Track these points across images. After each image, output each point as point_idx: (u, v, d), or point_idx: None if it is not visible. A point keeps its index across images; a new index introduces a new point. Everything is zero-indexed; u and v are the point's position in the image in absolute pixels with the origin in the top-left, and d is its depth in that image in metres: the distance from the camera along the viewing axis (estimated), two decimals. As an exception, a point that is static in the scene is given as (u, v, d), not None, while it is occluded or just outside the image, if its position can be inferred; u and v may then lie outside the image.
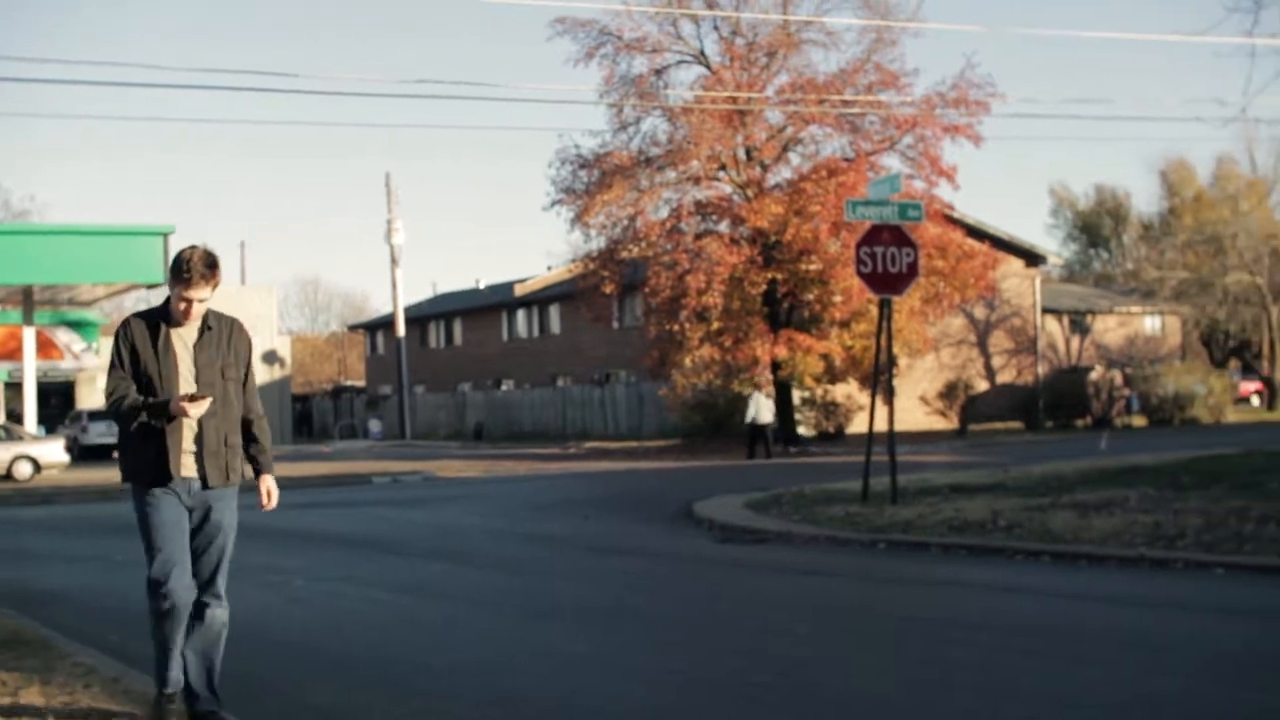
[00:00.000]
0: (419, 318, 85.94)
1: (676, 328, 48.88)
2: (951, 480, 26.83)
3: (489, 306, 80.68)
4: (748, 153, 50.75)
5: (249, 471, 8.67)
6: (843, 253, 44.75)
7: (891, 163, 49.93)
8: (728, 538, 20.61)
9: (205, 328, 8.37)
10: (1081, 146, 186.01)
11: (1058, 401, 60.28)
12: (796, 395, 53.89)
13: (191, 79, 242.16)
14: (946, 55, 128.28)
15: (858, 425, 47.73)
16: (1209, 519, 18.19)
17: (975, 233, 56.43)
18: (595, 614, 13.63)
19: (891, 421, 24.25)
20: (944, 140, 49.52)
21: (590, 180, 50.29)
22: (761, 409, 44.12)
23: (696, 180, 50.46)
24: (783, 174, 51.28)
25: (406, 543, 20.83)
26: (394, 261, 77.59)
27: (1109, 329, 72.55)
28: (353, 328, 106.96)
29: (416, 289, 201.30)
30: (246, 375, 8.60)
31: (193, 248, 8.16)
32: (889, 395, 25.68)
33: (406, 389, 77.84)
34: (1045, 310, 68.64)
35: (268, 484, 8.77)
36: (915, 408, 58.45)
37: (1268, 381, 72.22)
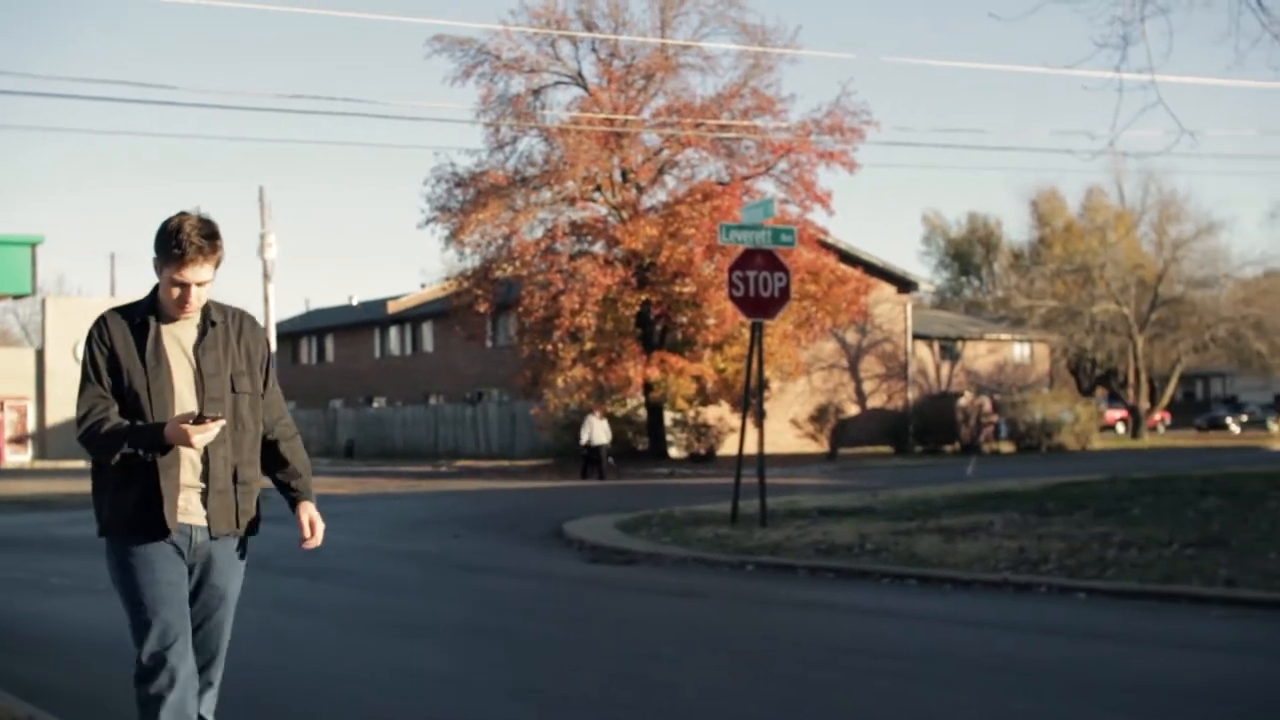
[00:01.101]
0: (291, 333, 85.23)
1: (550, 347, 48.90)
2: (821, 503, 26.99)
3: (362, 323, 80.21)
4: (624, 174, 50.93)
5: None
6: (716, 276, 45.04)
7: (767, 187, 50.35)
8: (597, 558, 20.60)
9: (207, 323, 6.38)
10: (955, 175, 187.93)
11: (927, 427, 60.81)
12: (668, 417, 54.06)
13: (63, 88, 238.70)
14: (823, 82, 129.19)
15: (729, 447, 47.84)
16: (1072, 544, 18.42)
17: (848, 258, 56.90)
18: (461, 632, 13.58)
19: (762, 444, 24.35)
20: (819, 166, 50.06)
21: (466, 199, 50.24)
22: (596, 431, 44.52)
23: (572, 201, 50.58)
24: (658, 196, 51.54)
25: (274, 559, 20.55)
26: (266, 276, 76.40)
27: (979, 356, 73.33)
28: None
29: (289, 304, 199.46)
30: (266, 384, 6.61)
31: (182, 214, 6.23)
32: (760, 418, 25.79)
33: (277, 404, 76.92)
34: (916, 336, 69.25)
35: (309, 513, 6.81)
36: (786, 431, 58.72)
37: (1133, 410, 73.29)
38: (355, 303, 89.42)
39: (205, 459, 6.27)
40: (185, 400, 6.27)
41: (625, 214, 50.01)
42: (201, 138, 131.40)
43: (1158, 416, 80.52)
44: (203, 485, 6.28)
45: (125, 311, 6.40)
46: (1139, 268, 74.12)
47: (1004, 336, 75.00)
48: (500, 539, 24.15)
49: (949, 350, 72.42)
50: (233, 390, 6.39)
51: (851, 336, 64.86)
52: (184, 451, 6.17)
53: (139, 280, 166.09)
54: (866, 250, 62.88)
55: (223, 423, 6.10)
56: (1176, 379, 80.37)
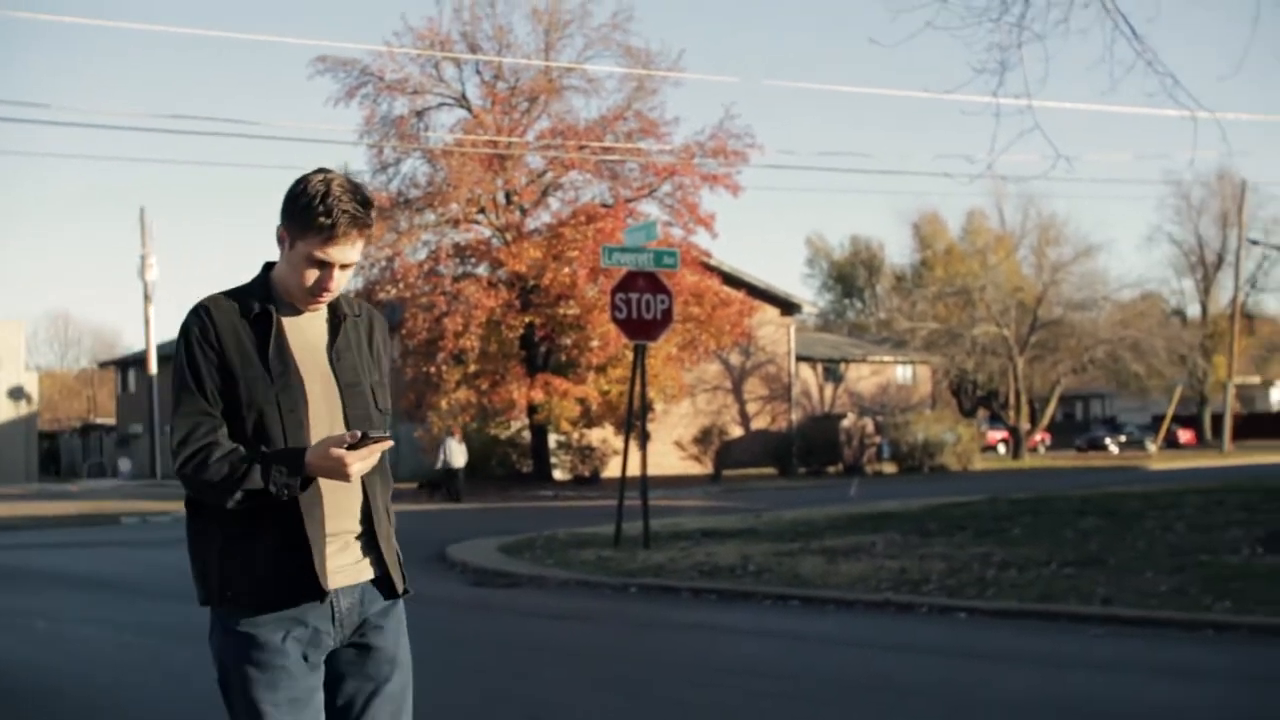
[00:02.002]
0: (172, 355, 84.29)
1: (433, 370, 48.70)
2: (704, 525, 27.01)
3: (245, 346, 79.29)
4: (507, 196, 50.92)
5: None
6: (600, 298, 45.04)
7: (650, 210, 50.46)
8: (479, 581, 20.50)
9: (338, 316, 4.81)
10: (838, 198, 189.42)
11: (811, 448, 60.99)
12: (553, 439, 54.00)
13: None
14: (707, 105, 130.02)
15: (613, 469, 47.79)
16: (953, 565, 18.56)
17: (732, 281, 57.12)
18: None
19: (645, 466, 24.33)
20: (702, 189, 50.30)
21: (349, 221, 49.85)
22: (454, 453, 44.46)
23: (455, 223, 50.49)
24: (542, 218, 51.58)
25: (156, 583, 20.40)
26: (147, 298, 76.10)
27: (862, 377, 73.81)
28: (104, 364, 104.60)
29: (170, 326, 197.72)
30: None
31: (326, 172, 4.62)
32: (643, 440, 25.77)
33: (158, 428, 76.28)
34: (800, 358, 69.61)
35: None
36: (670, 453, 58.79)
37: (1013, 430, 73.93)
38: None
39: (366, 496, 4.74)
40: (321, 418, 4.64)
41: (509, 236, 49.97)
42: (80, 157, 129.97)
43: (1038, 437, 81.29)
44: (362, 530, 4.75)
45: (235, 297, 4.72)
46: (1019, 290, 74.87)
47: (887, 358, 75.56)
48: (383, 562, 23.95)
49: (832, 372, 72.84)
50: (375, 407, 4.82)
51: (735, 358, 65.10)
52: (328, 489, 4.58)
53: (10, 303, 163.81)
54: (750, 273, 63.21)
55: (389, 444, 4.55)
56: (1056, 400, 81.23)
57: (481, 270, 50.32)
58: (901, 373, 75.95)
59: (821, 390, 71.73)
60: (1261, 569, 16.40)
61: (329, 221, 4.48)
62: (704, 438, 58.31)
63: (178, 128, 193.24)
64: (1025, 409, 74.16)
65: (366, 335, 4.89)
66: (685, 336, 49.13)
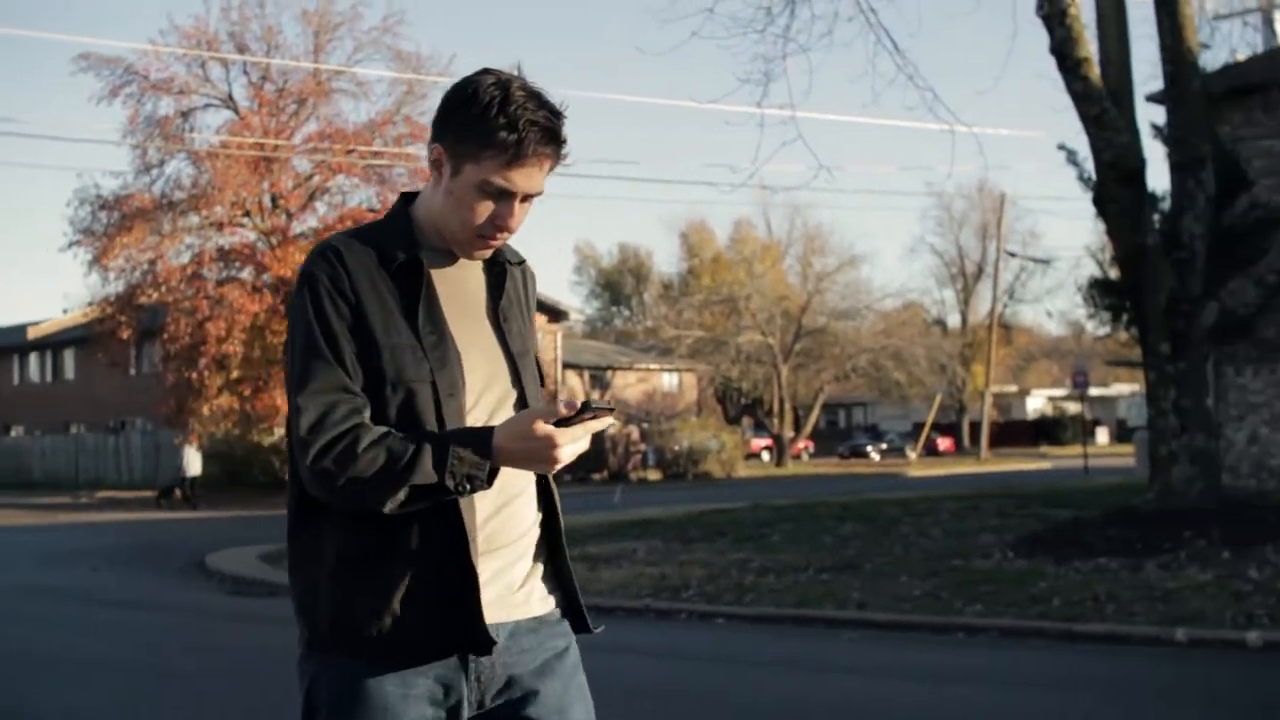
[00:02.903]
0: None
1: (195, 375, 47.86)
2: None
3: (-1, 349, 77.56)
4: (274, 200, 50.32)
5: None
6: (367, 304, 44.65)
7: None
8: (238, 590, 20.28)
9: (499, 265, 3.63)
10: (608, 206, 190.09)
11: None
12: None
13: None
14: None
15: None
16: (712, 571, 18.79)
17: (500, 287, 57.02)
18: (84, 667, 13.18)
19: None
20: (473, 195, 50.07)
21: (110, 222, 48.92)
22: (190, 461, 44.62)
23: (220, 226, 49.70)
24: (309, 223, 50.99)
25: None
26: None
27: (629, 384, 74.28)
28: None
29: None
30: None
31: (492, 74, 3.40)
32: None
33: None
34: (567, 365, 69.78)
35: None
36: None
37: (777, 438, 74.89)
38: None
39: (550, 494, 3.70)
40: (483, 401, 3.48)
41: (275, 240, 49.36)
42: None
43: (801, 444, 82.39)
44: (528, 542, 3.61)
45: (368, 241, 3.46)
46: (784, 299, 75.88)
47: (653, 366, 76.13)
48: (140, 572, 23.59)
49: (599, 379, 73.20)
50: (540, 381, 3.74)
51: (503, 365, 65.03)
52: (510, 484, 3.43)
53: None
54: (519, 279, 63.10)
55: (612, 420, 3.57)
56: (819, 408, 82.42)
57: (246, 275, 49.57)
58: (668, 380, 76.59)
59: (588, 397, 71.93)
60: (1011, 573, 16.83)
61: (514, 136, 3.31)
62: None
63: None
64: (789, 416, 75.18)
65: (524, 291, 3.78)
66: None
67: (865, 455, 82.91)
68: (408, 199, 3.57)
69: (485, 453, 3.21)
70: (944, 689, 11.34)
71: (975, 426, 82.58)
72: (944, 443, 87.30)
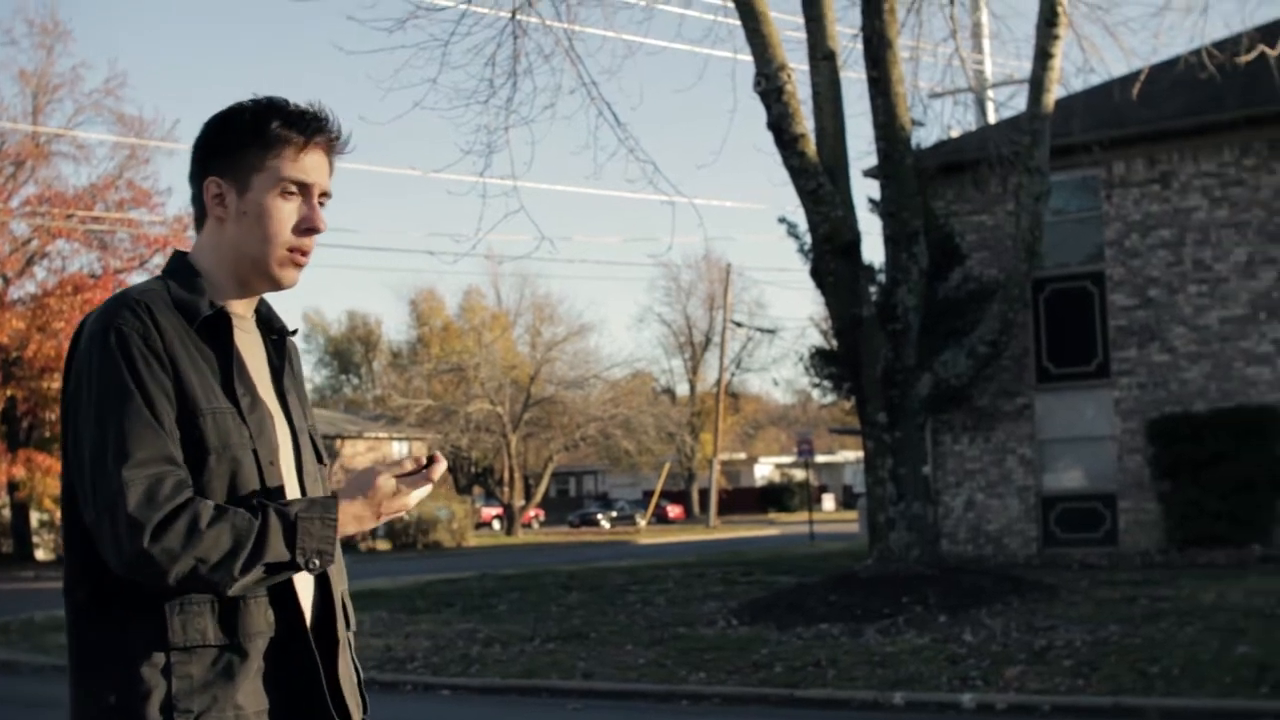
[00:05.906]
0: None
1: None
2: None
3: None
4: (-10, 265, 49.09)
5: None
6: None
7: (141, 280, 49.34)
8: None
9: (274, 328, 3.35)
10: (335, 274, 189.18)
11: (305, 525, 60.38)
12: (35, 518, 52.13)
13: None
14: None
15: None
16: (438, 642, 18.73)
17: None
18: None
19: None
20: (196, 261, 49.39)
21: None
22: None
23: (-70, 291, 48.39)
24: (27, 288, 49.85)
25: None
26: None
27: (358, 454, 73.53)
28: None
29: None
30: None
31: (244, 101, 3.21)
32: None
33: None
34: (295, 434, 68.93)
35: None
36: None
37: (507, 507, 74.84)
38: None
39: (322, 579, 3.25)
40: (288, 474, 3.18)
41: (-10, 306, 48.19)
42: None
43: (532, 513, 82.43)
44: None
45: (166, 293, 3.13)
46: (514, 368, 75.98)
47: (382, 435, 75.50)
48: None
49: (328, 449, 72.26)
50: (315, 455, 3.36)
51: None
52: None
53: None
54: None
55: (443, 466, 3.28)
56: (549, 476, 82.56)
57: (-39, 340, 48.34)
58: (398, 449, 76.01)
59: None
60: (734, 640, 17.05)
61: (292, 128, 3.12)
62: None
63: None
64: (519, 485, 75.19)
65: (296, 363, 3.43)
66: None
67: (595, 523, 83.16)
68: (181, 255, 3.26)
69: (332, 524, 2.99)
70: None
71: (704, 494, 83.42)
72: (674, 510, 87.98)
